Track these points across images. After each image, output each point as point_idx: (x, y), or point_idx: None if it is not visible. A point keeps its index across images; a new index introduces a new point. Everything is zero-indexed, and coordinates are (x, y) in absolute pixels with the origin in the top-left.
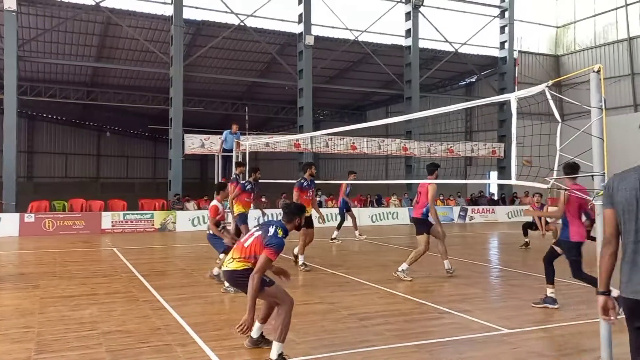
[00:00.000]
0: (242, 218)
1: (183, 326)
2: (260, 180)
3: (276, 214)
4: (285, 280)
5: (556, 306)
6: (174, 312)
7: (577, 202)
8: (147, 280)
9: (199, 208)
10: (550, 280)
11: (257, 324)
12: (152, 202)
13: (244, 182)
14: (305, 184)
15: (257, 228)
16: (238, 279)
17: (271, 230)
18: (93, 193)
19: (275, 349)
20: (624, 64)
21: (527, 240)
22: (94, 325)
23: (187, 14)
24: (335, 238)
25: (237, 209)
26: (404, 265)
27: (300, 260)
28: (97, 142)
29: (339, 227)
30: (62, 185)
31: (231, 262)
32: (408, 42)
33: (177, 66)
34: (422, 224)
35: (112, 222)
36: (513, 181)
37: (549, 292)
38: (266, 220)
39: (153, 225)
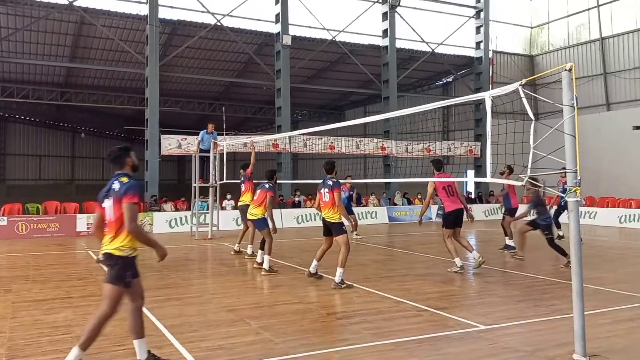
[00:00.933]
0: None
1: (159, 328)
2: (236, 181)
3: None
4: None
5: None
6: (150, 314)
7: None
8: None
9: (177, 209)
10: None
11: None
12: None
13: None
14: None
15: (104, 197)
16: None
17: (115, 184)
18: (68, 195)
19: (75, 352)
20: (597, 63)
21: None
22: (68, 329)
23: (163, 13)
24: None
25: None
26: (475, 254)
27: (261, 258)
28: (71, 143)
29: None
30: (35, 187)
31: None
32: (385, 42)
33: (152, 66)
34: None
35: (88, 224)
36: (488, 179)
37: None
38: None
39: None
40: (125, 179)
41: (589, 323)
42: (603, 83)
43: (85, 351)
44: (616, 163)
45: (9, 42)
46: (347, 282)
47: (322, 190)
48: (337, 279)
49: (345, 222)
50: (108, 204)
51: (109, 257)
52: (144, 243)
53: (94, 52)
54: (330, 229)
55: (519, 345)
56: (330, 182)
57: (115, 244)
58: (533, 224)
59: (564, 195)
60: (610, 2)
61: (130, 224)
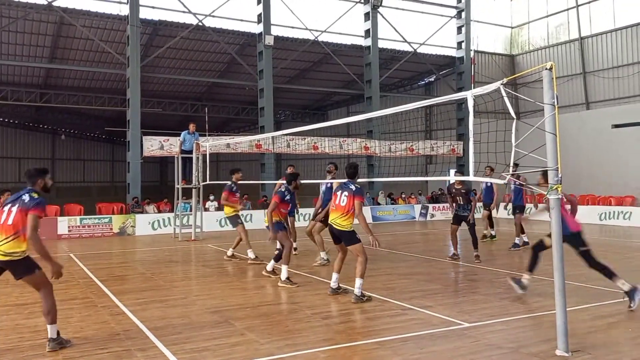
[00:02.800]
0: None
1: (143, 331)
2: (220, 182)
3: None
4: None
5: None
6: (134, 316)
7: None
8: (106, 286)
9: (159, 211)
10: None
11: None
12: (110, 205)
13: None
14: (235, 188)
15: (10, 205)
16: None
17: (25, 197)
18: (48, 198)
19: (52, 329)
20: (576, 63)
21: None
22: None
23: (144, 13)
24: None
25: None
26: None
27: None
28: (51, 145)
29: None
30: (15, 190)
31: (2, 246)
32: (367, 42)
33: (133, 67)
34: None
35: (69, 227)
36: (471, 177)
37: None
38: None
39: (111, 229)
40: (35, 195)
41: (571, 319)
42: (582, 82)
43: None
44: (596, 161)
45: None
46: (366, 293)
47: (338, 193)
48: (357, 291)
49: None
50: (8, 209)
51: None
52: (38, 253)
53: (74, 52)
54: (340, 238)
55: (503, 342)
56: (353, 187)
57: (6, 248)
58: None
59: (546, 193)
60: (589, 3)
61: (31, 232)
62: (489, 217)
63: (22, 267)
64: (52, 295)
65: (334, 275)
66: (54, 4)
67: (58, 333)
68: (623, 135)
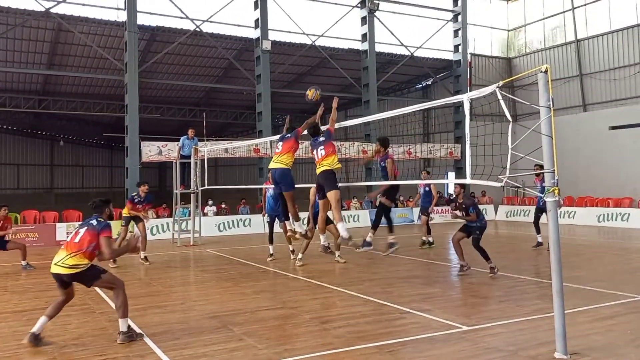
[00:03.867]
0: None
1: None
2: (217, 187)
3: (234, 220)
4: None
5: None
6: (132, 322)
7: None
8: (104, 292)
9: (158, 216)
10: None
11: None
12: None
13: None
14: (137, 199)
15: (79, 228)
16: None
17: (94, 221)
18: (47, 204)
19: (123, 323)
20: (573, 65)
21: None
22: (48, 339)
23: (141, 19)
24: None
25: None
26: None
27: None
28: (50, 151)
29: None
30: (13, 197)
31: (67, 260)
32: (365, 46)
33: (131, 73)
34: None
35: (68, 233)
36: (468, 180)
37: None
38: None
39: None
40: (102, 220)
41: (569, 322)
42: (579, 84)
43: None
44: (593, 163)
45: None
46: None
47: (314, 151)
48: (344, 234)
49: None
50: (76, 231)
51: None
52: (120, 255)
53: (72, 59)
54: (324, 185)
55: (502, 345)
56: (321, 138)
57: (70, 262)
58: None
59: (542, 196)
60: (585, 5)
61: (108, 250)
62: (427, 223)
63: (89, 277)
64: (123, 292)
65: (322, 236)
66: (52, 10)
67: (129, 327)
68: (620, 137)
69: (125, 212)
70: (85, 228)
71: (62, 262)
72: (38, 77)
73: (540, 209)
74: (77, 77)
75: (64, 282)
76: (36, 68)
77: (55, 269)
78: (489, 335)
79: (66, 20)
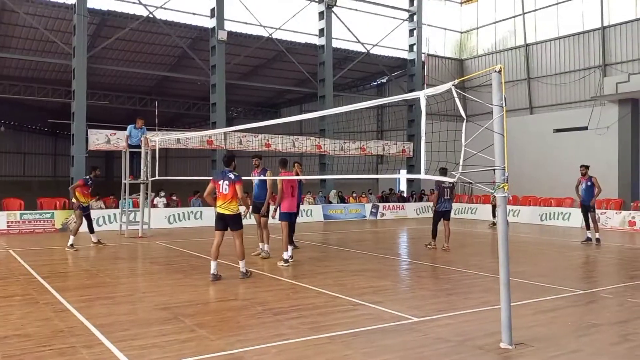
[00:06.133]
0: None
1: (88, 327)
2: (168, 178)
3: (185, 212)
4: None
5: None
6: (78, 313)
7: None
8: (48, 283)
9: (106, 207)
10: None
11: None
12: (53, 201)
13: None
14: (90, 182)
15: (221, 180)
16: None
17: (230, 175)
18: None
19: (242, 264)
20: (521, 69)
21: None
22: None
23: (92, 3)
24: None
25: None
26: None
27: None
28: None
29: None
30: None
31: (228, 206)
32: (322, 41)
33: (80, 57)
34: None
35: (8, 222)
36: (422, 175)
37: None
38: None
39: (54, 225)
40: (235, 172)
41: (514, 314)
42: (527, 87)
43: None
44: (538, 164)
45: None
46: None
47: (220, 182)
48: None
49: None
50: (224, 183)
51: (225, 215)
52: (244, 205)
53: (17, 41)
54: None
55: (450, 335)
56: (232, 175)
57: (229, 207)
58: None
59: (492, 192)
60: (535, 11)
61: (242, 195)
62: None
63: (237, 221)
64: (243, 241)
65: (213, 263)
66: None
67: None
68: (564, 139)
69: (74, 192)
70: (226, 181)
71: (225, 207)
72: None
73: (586, 208)
74: (22, 59)
75: (225, 223)
76: None
77: (221, 211)
78: (438, 326)
79: (11, 0)
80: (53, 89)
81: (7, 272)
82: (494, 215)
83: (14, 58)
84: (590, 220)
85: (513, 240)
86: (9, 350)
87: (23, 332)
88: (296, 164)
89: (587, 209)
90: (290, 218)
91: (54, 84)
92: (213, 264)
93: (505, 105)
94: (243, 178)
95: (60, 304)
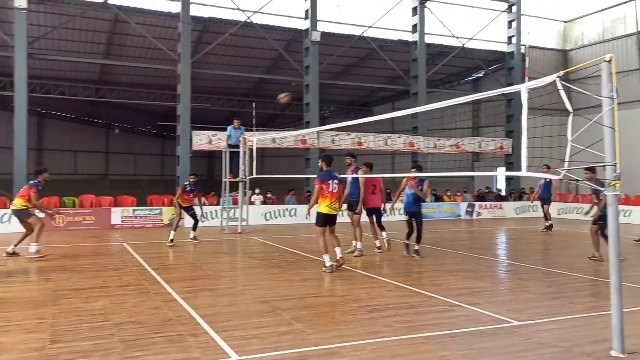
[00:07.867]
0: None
1: (194, 317)
2: (266, 176)
3: (280, 209)
4: None
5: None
6: (185, 303)
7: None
8: (158, 274)
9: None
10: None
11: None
12: (161, 198)
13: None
14: (189, 188)
15: (332, 180)
16: None
17: (336, 174)
18: (102, 190)
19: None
20: (633, 58)
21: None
22: (106, 316)
23: (194, 10)
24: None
25: None
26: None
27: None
28: (105, 139)
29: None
30: (71, 182)
31: (335, 204)
32: (415, 37)
33: (184, 63)
34: None
35: (122, 217)
36: (523, 172)
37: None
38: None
39: (162, 220)
40: (336, 173)
41: (626, 320)
42: (639, 78)
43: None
44: None
45: (46, 40)
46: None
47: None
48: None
49: None
50: (333, 182)
51: (333, 215)
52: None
53: (128, 49)
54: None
55: (555, 340)
56: (338, 175)
57: (335, 207)
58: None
59: (602, 190)
60: None
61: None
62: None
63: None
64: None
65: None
66: (109, 2)
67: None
68: None
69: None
70: (336, 180)
71: (332, 206)
72: (95, 67)
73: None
74: (133, 67)
75: (333, 220)
76: (94, 58)
77: (330, 211)
78: (541, 331)
79: (123, 11)
80: (160, 93)
81: (122, 263)
82: (546, 218)
83: (126, 65)
84: None
85: (624, 243)
86: (125, 335)
87: (136, 319)
88: (364, 165)
89: None
90: (370, 214)
91: (161, 89)
92: (327, 257)
93: (617, 97)
94: (340, 176)
95: (169, 294)
